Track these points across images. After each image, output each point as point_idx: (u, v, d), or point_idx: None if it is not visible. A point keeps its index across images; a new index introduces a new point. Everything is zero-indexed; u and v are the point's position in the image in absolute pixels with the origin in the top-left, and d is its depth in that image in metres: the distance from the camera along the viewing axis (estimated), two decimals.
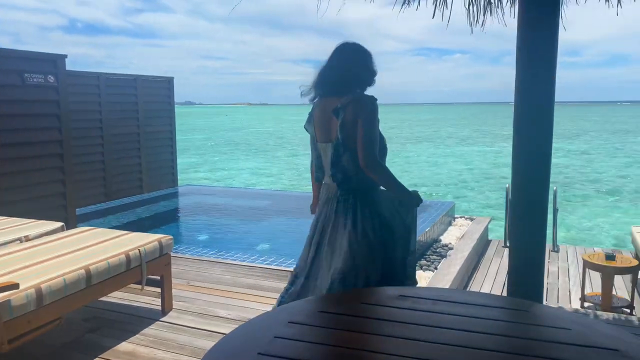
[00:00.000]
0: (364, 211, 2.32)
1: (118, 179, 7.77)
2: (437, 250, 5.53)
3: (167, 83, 8.83)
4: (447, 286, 4.56)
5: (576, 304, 4.77)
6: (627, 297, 4.77)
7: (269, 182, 19.46)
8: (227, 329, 3.13)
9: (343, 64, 2.36)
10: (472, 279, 5.54)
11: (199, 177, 20.32)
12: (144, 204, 7.58)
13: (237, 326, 3.11)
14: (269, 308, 3.47)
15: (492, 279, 5.53)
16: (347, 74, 2.34)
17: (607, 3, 3.04)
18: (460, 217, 7.20)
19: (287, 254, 4.61)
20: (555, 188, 6.84)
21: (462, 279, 5.22)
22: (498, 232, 8.32)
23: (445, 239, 6.04)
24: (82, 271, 2.75)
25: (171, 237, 3.45)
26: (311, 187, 2.74)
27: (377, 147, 2.26)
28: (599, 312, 3.76)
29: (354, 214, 2.31)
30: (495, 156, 28.15)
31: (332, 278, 2.28)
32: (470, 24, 3.75)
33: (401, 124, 72.02)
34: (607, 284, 4.45)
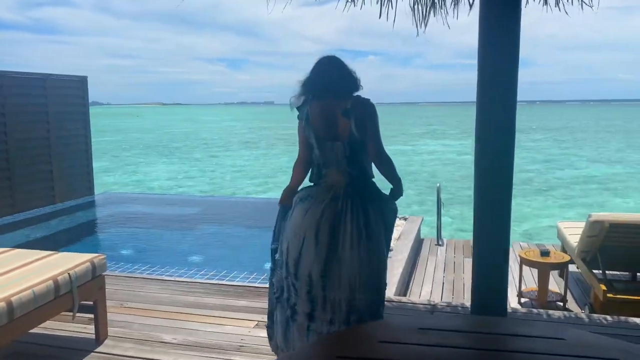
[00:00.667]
0: (375, 208, 2.56)
1: (26, 189, 7.04)
2: None
3: (80, 83, 8.15)
4: (392, 290, 4.52)
5: (513, 300, 4.91)
6: (558, 290, 4.98)
7: (192, 186, 18.76)
8: (174, 356, 2.84)
9: (342, 71, 2.64)
10: (412, 280, 5.56)
11: (112, 182, 19.17)
12: (58, 215, 6.92)
13: (185, 352, 2.87)
14: (216, 329, 3.21)
15: (431, 278, 5.58)
16: (348, 80, 2.63)
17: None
18: None
19: (227, 266, 4.35)
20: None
21: (404, 281, 5.22)
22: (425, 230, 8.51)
23: None
24: (3, 304, 2.36)
25: (104, 256, 3.09)
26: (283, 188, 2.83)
27: None
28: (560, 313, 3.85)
29: (365, 211, 2.52)
30: (412, 154, 29.14)
31: (361, 278, 2.47)
32: (416, 25, 3.71)
33: None
34: (544, 280, 4.62)
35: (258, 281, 4.07)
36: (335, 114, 2.54)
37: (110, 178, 20.21)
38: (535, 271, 5.12)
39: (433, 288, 5.31)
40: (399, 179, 2.67)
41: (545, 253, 4.69)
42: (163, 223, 6.74)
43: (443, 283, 5.44)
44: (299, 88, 2.66)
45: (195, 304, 3.63)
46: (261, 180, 20.20)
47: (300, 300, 2.53)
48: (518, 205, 15.12)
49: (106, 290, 3.19)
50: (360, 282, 2.47)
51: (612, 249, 4.31)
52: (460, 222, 11.89)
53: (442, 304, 3.63)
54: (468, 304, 3.79)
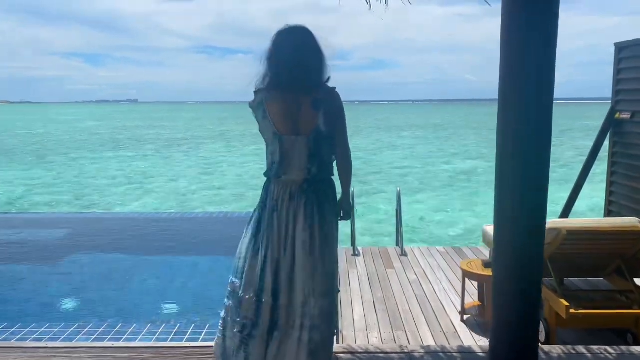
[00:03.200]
0: (330, 208, 2.46)
1: None
2: None
3: None
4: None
5: (455, 318, 4.44)
6: None
7: (52, 197, 16.25)
8: None
9: (317, 55, 2.35)
10: (339, 300, 4.85)
11: None
12: None
13: None
14: None
15: (359, 298, 4.92)
16: (322, 66, 2.36)
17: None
18: None
19: (123, 317, 3.23)
20: (398, 189, 6.63)
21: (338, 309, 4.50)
22: None
23: None
24: None
25: None
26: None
27: None
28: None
29: (321, 211, 2.40)
30: None
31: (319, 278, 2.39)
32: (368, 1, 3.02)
33: (188, 123, 69.91)
34: (491, 295, 4.18)
35: (169, 338, 3.04)
36: (301, 105, 2.34)
37: None
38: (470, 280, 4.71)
39: (365, 310, 4.66)
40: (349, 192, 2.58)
41: (489, 265, 4.27)
42: (19, 255, 5.18)
43: (374, 302, 4.82)
44: (263, 75, 2.36)
45: None
46: (135, 187, 18.27)
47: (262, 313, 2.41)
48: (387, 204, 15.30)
49: None
50: (314, 286, 2.38)
51: (562, 256, 4.00)
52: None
53: (420, 351, 2.94)
54: (446, 342, 3.17)
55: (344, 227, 8.09)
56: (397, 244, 6.74)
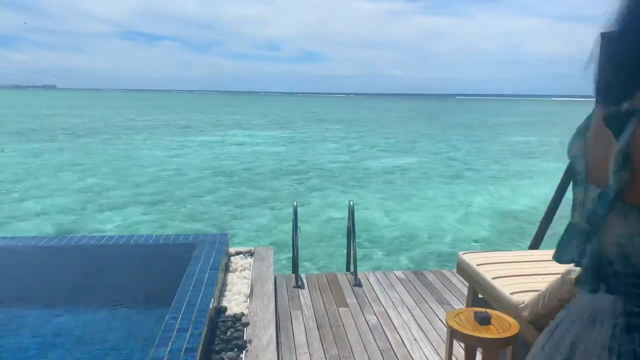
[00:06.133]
0: None
1: None
2: (229, 336, 3.36)
3: None
4: None
5: None
6: None
7: None
8: None
9: None
10: None
11: None
12: None
13: None
14: None
15: (308, 357, 3.68)
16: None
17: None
18: (236, 255, 5.14)
19: None
20: (351, 202, 5.42)
21: None
22: None
23: (230, 304, 3.90)
24: None
25: None
26: None
27: None
28: None
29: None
30: (221, 148, 27.01)
31: None
32: None
33: (110, 112, 65.76)
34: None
35: None
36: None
37: None
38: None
39: None
40: None
41: (484, 319, 3.13)
42: None
43: None
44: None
45: None
46: (34, 185, 15.97)
47: None
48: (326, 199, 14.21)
49: None
50: None
51: None
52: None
53: None
54: None
55: (284, 248, 6.71)
56: (348, 269, 5.58)
